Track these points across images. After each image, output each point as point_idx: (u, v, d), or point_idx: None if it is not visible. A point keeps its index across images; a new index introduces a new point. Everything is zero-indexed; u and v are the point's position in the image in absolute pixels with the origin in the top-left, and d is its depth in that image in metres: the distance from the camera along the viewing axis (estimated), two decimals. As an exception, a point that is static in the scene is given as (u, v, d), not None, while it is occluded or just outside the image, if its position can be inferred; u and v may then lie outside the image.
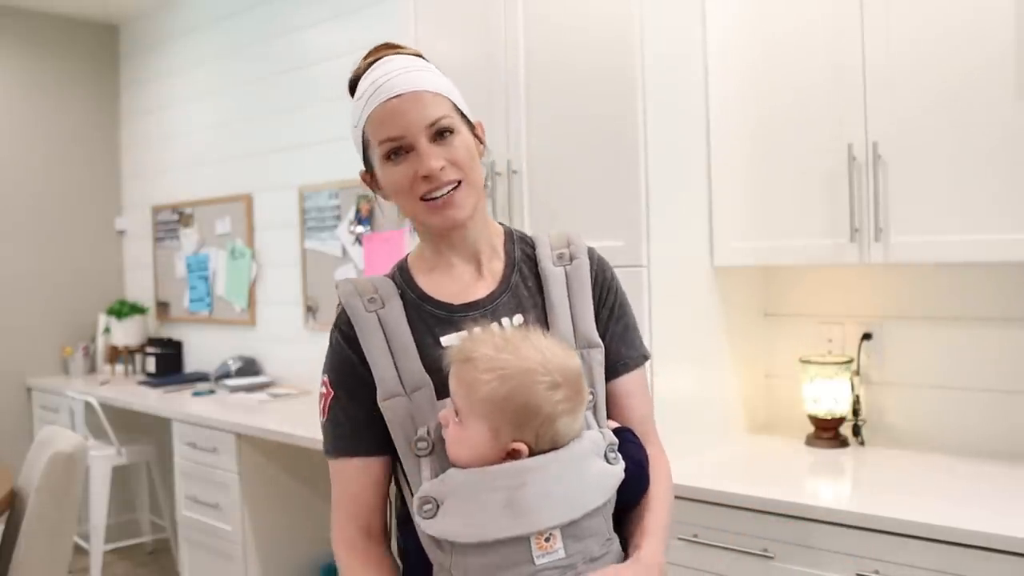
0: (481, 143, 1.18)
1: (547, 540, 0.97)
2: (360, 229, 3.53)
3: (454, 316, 1.14)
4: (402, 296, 1.15)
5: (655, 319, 2.02)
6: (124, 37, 4.95)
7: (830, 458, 2.12)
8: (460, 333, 1.12)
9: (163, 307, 4.72)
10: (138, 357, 4.56)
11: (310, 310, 3.79)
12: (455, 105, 1.13)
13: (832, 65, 2.00)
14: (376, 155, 1.12)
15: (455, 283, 1.17)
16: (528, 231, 1.29)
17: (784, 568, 1.76)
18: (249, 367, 4.01)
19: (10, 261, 4.53)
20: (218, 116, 4.30)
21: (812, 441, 2.22)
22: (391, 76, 1.10)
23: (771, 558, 1.77)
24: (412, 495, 1.06)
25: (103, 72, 4.93)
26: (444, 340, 1.11)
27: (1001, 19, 1.78)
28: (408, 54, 1.16)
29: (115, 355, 4.62)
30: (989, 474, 1.91)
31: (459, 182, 1.10)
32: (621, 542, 1.09)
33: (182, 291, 4.56)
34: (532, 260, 1.21)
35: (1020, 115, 1.76)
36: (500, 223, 1.26)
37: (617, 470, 1.05)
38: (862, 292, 2.28)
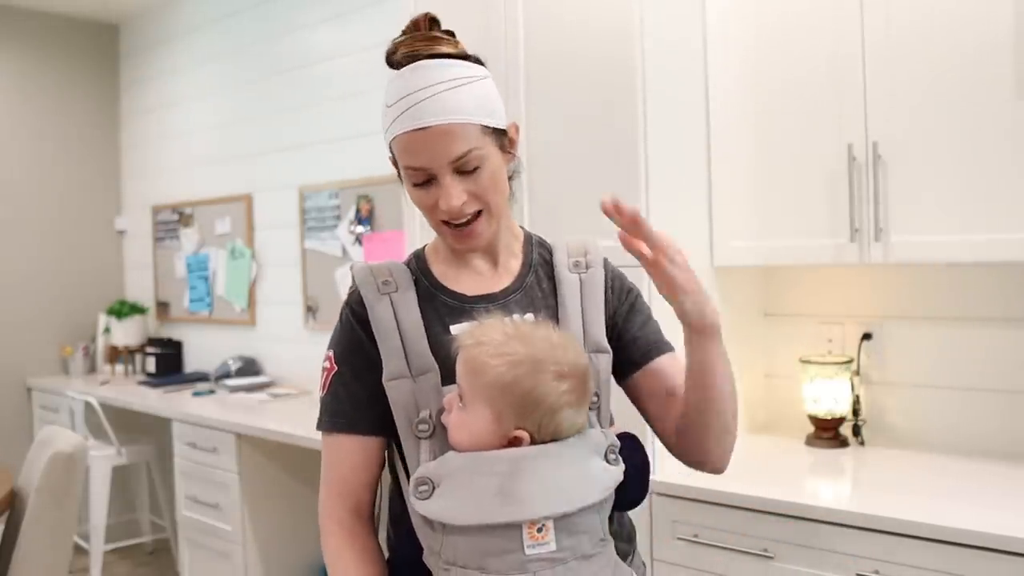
0: (512, 149, 1.17)
1: (539, 531, 0.97)
2: (360, 229, 3.53)
3: (466, 306, 1.15)
4: (416, 283, 1.16)
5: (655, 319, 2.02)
6: (124, 37, 4.96)
7: (830, 458, 2.12)
8: (471, 323, 1.12)
9: (163, 307, 4.72)
10: (138, 357, 4.56)
11: (310, 310, 3.79)
12: (485, 128, 1.09)
13: (832, 65, 2.00)
14: (401, 171, 1.13)
15: (471, 276, 1.19)
16: (528, 230, 1.29)
17: (784, 568, 1.76)
18: (249, 367, 4.01)
19: (10, 261, 4.53)
20: (218, 116, 4.31)
21: (812, 441, 2.22)
22: (422, 97, 1.06)
23: (771, 558, 1.77)
24: (408, 478, 1.07)
25: (103, 72, 4.93)
26: (454, 328, 1.13)
27: (1001, 19, 1.78)
28: (447, 55, 1.10)
29: (115, 355, 4.62)
30: (989, 474, 1.91)
31: (480, 211, 1.11)
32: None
33: (182, 291, 4.56)
34: (549, 265, 1.23)
35: (1020, 115, 1.76)
36: (521, 227, 1.27)
37: (616, 471, 1.05)
38: (862, 292, 2.28)
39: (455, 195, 1.08)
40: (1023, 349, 2.03)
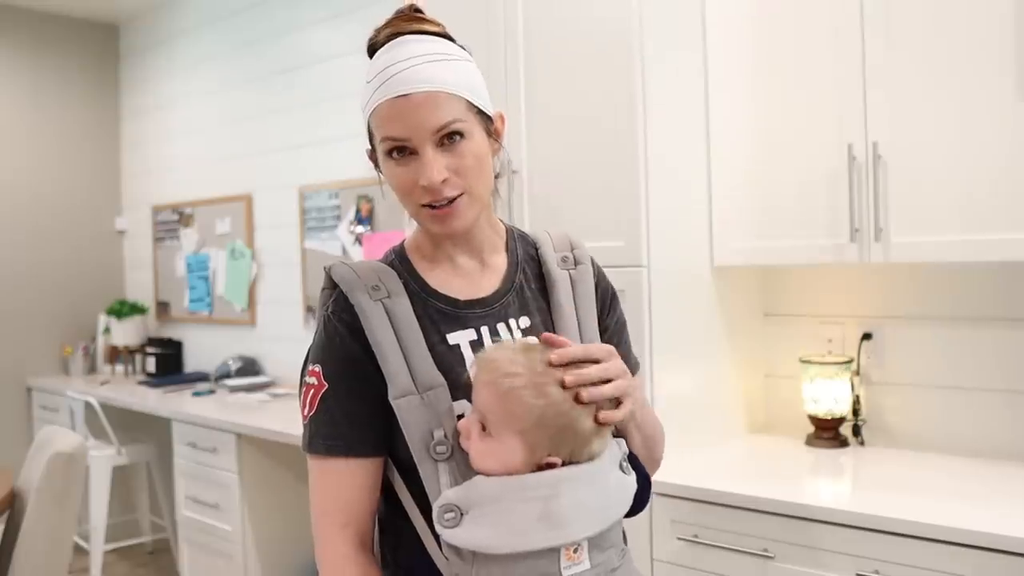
0: (497, 140, 1.11)
1: (575, 551, 0.95)
2: (360, 229, 3.53)
3: (460, 313, 1.09)
4: (406, 287, 1.07)
5: (655, 319, 2.02)
6: (124, 37, 4.96)
7: (830, 458, 2.12)
8: (467, 332, 1.08)
9: (163, 307, 4.72)
10: (138, 357, 4.56)
11: (310, 310, 3.79)
12: (470, 104, 1.04)
13: (832, 65, 2.00)
14: (379, 147, 1.05)
15: (459, 278, 1.11)
16: (510, 225, 1.24)
17: (784, 568, 1.76)
18: (249, 367, 4.01)
19: (10, 261, 4.53)
20: (218, 116, 4.30)
21: (812, 441, 2.22)
22: (404, 67, 1.01)
23: (771, 558, 1.77)
24: (413, 498, 1.03)
25: (103, 72, 4.93)
26: (451, 338, 1.06)
27: (1001, 19, 1.78)
28: (431, 32, 1.07)
29: (115, 355, 4.62)
30: (989, 474, 1.91)
31: (461, 194, 1.03)
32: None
33: (182, 291, 4.56)
34: (535, 261, 1.17)
35: (1020, 115, 1.76)
36: (500, 220, 1.21)
37: (631, 481, 1.04)
38: (862, 292, 2.28)
39: (436, 168, 1.00)
40: (1023, 349, 2.03)
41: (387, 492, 1.09)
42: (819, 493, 1.91)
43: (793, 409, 2.34)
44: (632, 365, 1.19)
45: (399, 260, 1.13)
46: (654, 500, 1.95)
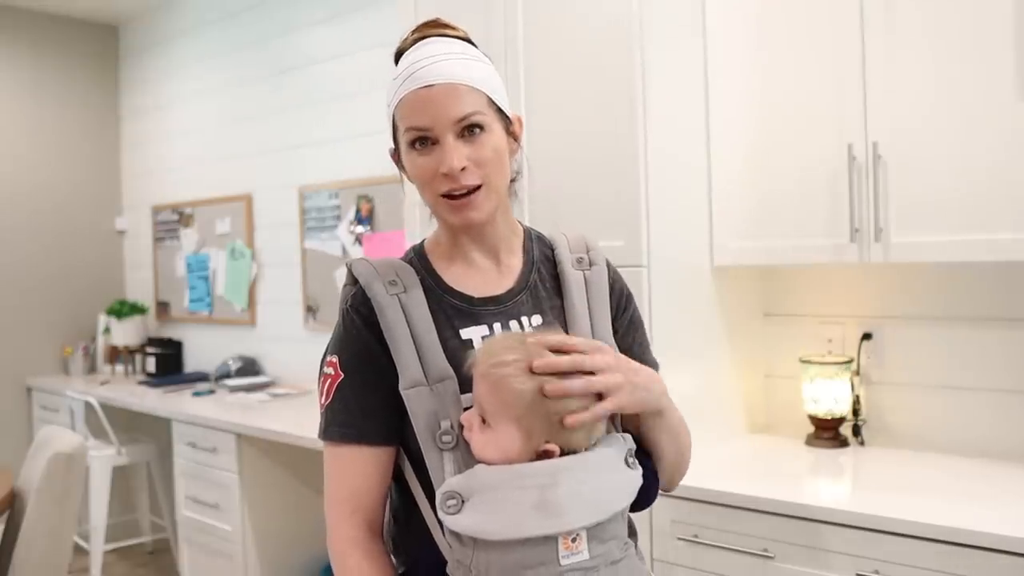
0: (516, 140, 1.15)
1: (573, 541, 0.97)
2: (360, 229, 3.53)
3: (474, 309, 1.12)
4: (422, 283, 1.11)
5: (655, 319, 2.02)
6: (124, 37, 4.96)
7: (830, 458, 2.12)
8: (480, 328, 1.11)
9: (163, 307, 4.72)
10: (138, 357, 4.56)
11: (310, 310, 3.79)
12: (491, 100, 1.09)
13: (832, 65, 2.00)
14: (402, 140, 1.09)
15: (475, 276, 1.15)
16: (529, 226, 1.27)
17: (784, 568, 1.76)
18: (249, 367, 4.01)
19: (10, 261, 4.53)
20: (218, 116, 4.31)
21: (812, 441, 2.22)
22: (429, 62, 1.06)
23: (771, 558, 1.77)
24: (423, 488, 1.06)
25: (103, 72, 4.93)
26: (464, 333, 1.10)
27: (1001, 20, 1.78)
28: (454, 36, 1.12)
29: (115, 355, 4.62)
30: (989, 474, 1.91)
31: (480, 185, 1.07)
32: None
33: (182, 291, 4.56)
34: (551, 261, 1.20)
35: (1020, 115, 1.76)
36: (519, 221, 1.24)
37: (637, 475, 1.05)
38: (862, 292, 2.28)
39: (456, 156, 1.04)
40: (1023, 349, 2.03)
41: (399, 482, 1.13)
42: (819, 493, 1.91)
43: (793, 409, 2.34)
44: (649, 366, 1.21)
45: (417, 257, 1.17)
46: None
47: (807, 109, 2.05)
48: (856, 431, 2.21)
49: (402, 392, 1.04)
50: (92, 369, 4.73)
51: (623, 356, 1.09)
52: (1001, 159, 1.79)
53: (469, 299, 1.13)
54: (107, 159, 4.94)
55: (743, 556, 1.81)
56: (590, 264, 1.20)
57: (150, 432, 4.06)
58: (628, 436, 1.08)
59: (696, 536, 1.88)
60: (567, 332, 1.12)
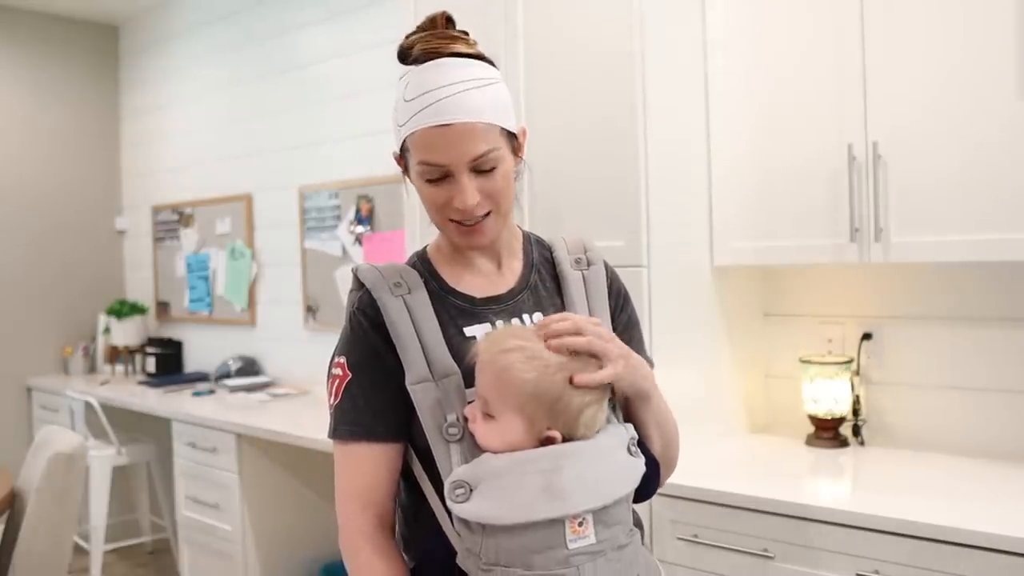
0: (520, 153, 1.18)
1: (580, 525, 0.99)
2: (360, 229, 3.53)
3: (476, 309, 1.16)
4: (426, 285, 1.15)
5: (655, 319, 2.02)
6: (124, 37, 4.95)
7: (830, 458, 2.12)
8: (483, 326, 1.14)
9: (163, 307, 4.72)
10: (138, 357, 4.56)
11: (310, 310, 3.79)
12: (503, 129, 1.11)
13: (832, 65, 2.00)
14: (414, 167, 1.11)
15: (477, 278, 1.19)
16: (528, 231, 1.31)
17: (784, 568, 1.76)
18: (249, 367, 4.01)
19: (10, 261, 4.53)
20: (218, 116, 4.31)
21: (812, 441, 2.22)
22: (444, 95, 1.07)
23: (771, 558, 1.77)
24: (430, 480, 1.08)
25: (103, 72, 4.93)
26: (467, 331, 1.13)
27: (1001, 19, 1.78)
28: (466, 55, 1.12)
29: (115, 355, 4.62)
30: (989, 474, 1.91)
31: (489, 212, 1.11)
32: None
33: (182, 291, 4.56)
34: (550, 263, 1.24)
35: (1020, 115, 1.76)
36: (519, 226, 1.28)
37: (639, 463, 1.08)
38: (862, 292, 2.28)
39: (471, 195, 1.08)
40: (1023, 349, 2.03)
41: (407, 480, 1.16)
42: (819, 493, 1.91)
43: (793, 409, 2.34)
44: (648, 364, 1.25)
45: (421, 262, 1.21)
46: (654, 500, 1.95)
47: (807, 109, 2.05)
48: (856, 431, 2.21)
49: (408, 387, 1.07)
50: (92, 369, 4.73)
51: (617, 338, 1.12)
52: (1001, 159, 1.79)
53: (472, 299, 1.16)
54: (107, 159, 4.94)
55: (743, 556, 1.81)
56: (588, 264, 1.24)
57: (150, 432, 4.06)
58: (630, 426, 1.11)
59: (696, 536, 1.88)
60: None
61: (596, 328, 1.06)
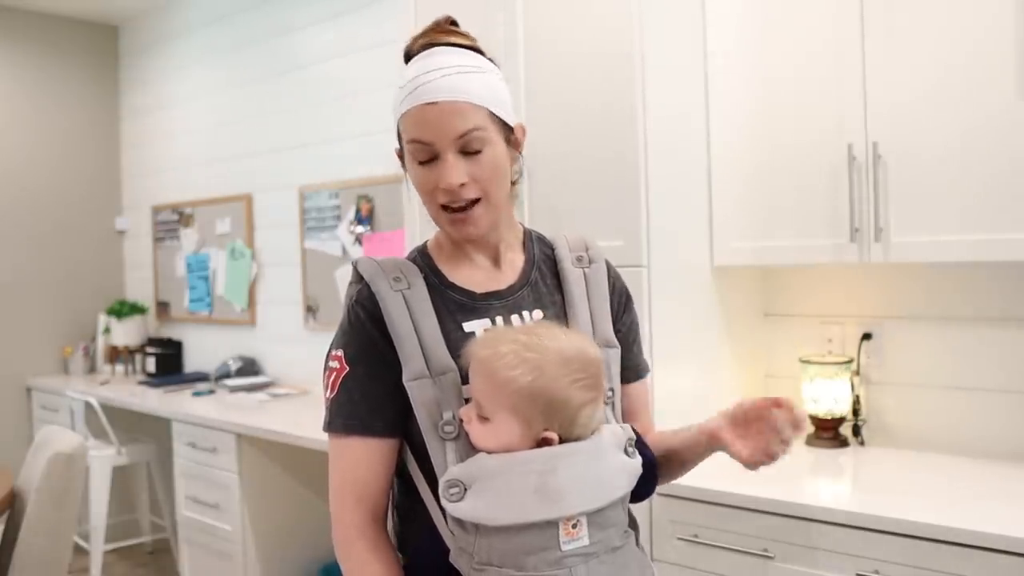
0: (517, 149, 1.18)
1: (574, 526, 0.99)
2: (360, 229, 3.53)
3: (476, 304, 1.15)
4: (425, 280, 1.14)
5: (655, 319, 2.02)
6: (124, 37, 4.95)
7: (830, 458, 2.12)
8: (482, 321, 1.13)
9: (163, 307, 4.72)
10: (138, 357, 4.56)
11: (310, 310, 3.79)
12: (493, 115, 1.11)
13: (832, 65, 2.00)
14: (406, 149, 1.13)
15: (477, 273, 1.18)
16: (529, 228, 1.30)
17: (784, 568, 1.76)
18: (249, 367, 4.01)
19: (10, 261, 4.53)
20: (218, 116, 4.30)
21: (812, 441, 2.22)
22: (433, 77, 1.08)
23: (771, 558, 1.77)
24: (425, 478, 1.08)
25: (103, 72, 4.92)
26: (467, 326, 1.12)
27: (1001, 19, 1.78)
28: (463, 46, 1.14)
29: (115, 355, 4.62)
30: (989, 474, 1.91)
31: (478, 199, 1.10)
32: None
33: (182, 291, 4.56)
34: (551, 260, 1.23)
35: (1020, 115, 1.76)
36: (520, 223, 1.27)
37: (636, 463, 1.07)
38: (862, 292, 2.28)
39: (455, 173, 1.07)
40: (1023, 349, 2.03)
41: (401, 477, 1.15)
42: (819, 493, 1.91)
43: (793, 409, 2.34)
44: (641, 369, 1.28)
45: (421, 257, 1.20)
46: (654, 500, 1.95)
47: (807, 109, 2.05)
48: (856, 431, 2.21)
49: (405, 384, 1.07)
50: (92, 369, 4.73)
51: None
52: (1001, 159, 1.79)
53: (471, 294, 1.15)
54: (107, 159, 4.94)
55: (743, 556, 1.81)
56: (589, 262, 1.23)
57: (150, 432, 4.06)
58: (628, 426, 1.11)
59: (696, 536, 1.88)
60: (568, 327, 1.15)
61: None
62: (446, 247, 1.20)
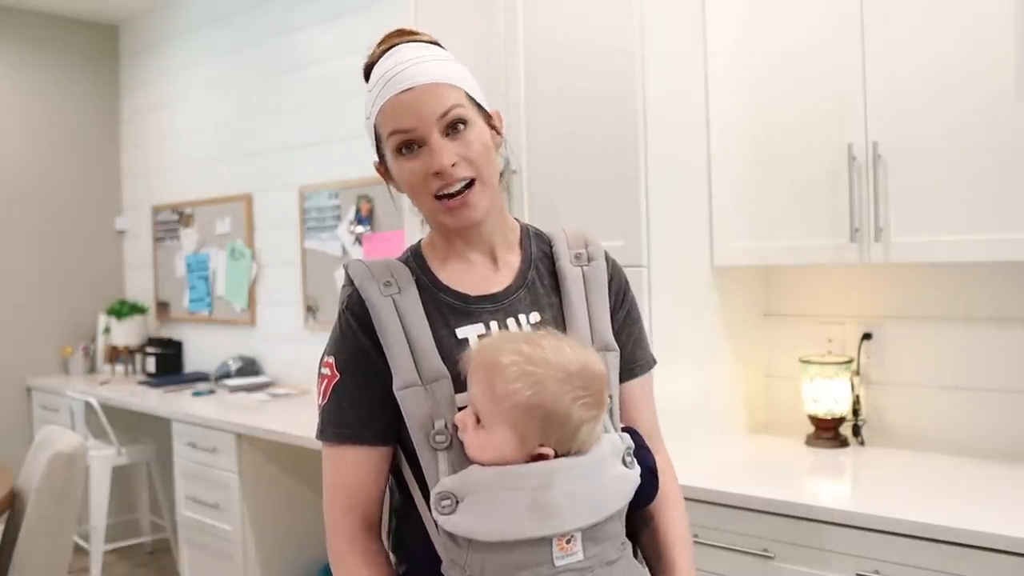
0: (498, 134, 1.15)
1: (568, 542, 0.96)
2: (360, 229, 3.53)
3: (470, 307, 1.11)
4: (417, 282, 1.11)
5: (655, 319, 2.02)
6: (124, 37, 4.95)
7: (830, 458, 2.12)
8: (476, 326, 1.10)
9: (163, 307, 4.72)
10: (138, 357, 4.56)
11: (310, 310, 3.79)
12: (469, 95, 1.09)
13: (832, 65, 2.00)
14: (388, 148, 1.09)
15: (471, 274, 1.14)
16: (526, 223, 1.26)
17: (784, 568, 1.76)
18: (249, 367, 4.01)
19: (10, 261, 4.53)
20: (218, 116, 4.30)
21: (812, 441, 2.22)
22: (404, 67, 1.06)
23: (771, 558, 1.77)
24: (419, 488, 1.06)
25: (103, 72, 4.93)
26: (459, 332, 1.09)
27: (1001, 20, 1.78)
28: (423, 41, 1.12)
29: (115, 355, 4.62)
30: (989, 474, 1.91)
31: (472, 180, 1.07)
32: (633, 548, 1.09)
33: (182, 291, 4.56)
34: (549, 258, 1.18)
35: (1020, 115, 1.76)
36: (516, 219, 1.23)
37: (634, 474, 1.04)
38: (862, 292, 2.28)
39: (445, 154, 1.04)
40: (1023, 349, 2.03)
41: (400, 483, 1.13)
42: (819, 493, 1.90)
43: (793, 409, 2.34)
44: (640, 366, 1.22)
45: (413, 257, 1.16)
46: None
47: (807, 109, 2.05)
48: (856, 431, 2.21)
49: (396, 393, 1.04)
50: (92, 369, 4.73)
51: None
52: (1001, 159, 1.79)
53: (465, 297, 1.12)
54: (107, 159, 4.94)
55: (743, 556, 1.81)
56: (589, 260, 1.18)
57: (150, 432, 4.06)
58: (626, 435, 1.07)
59: (696, 536, 1.88)
60: (565, 330, 1.11)
61: None
62: (440, 246, 1.16)
